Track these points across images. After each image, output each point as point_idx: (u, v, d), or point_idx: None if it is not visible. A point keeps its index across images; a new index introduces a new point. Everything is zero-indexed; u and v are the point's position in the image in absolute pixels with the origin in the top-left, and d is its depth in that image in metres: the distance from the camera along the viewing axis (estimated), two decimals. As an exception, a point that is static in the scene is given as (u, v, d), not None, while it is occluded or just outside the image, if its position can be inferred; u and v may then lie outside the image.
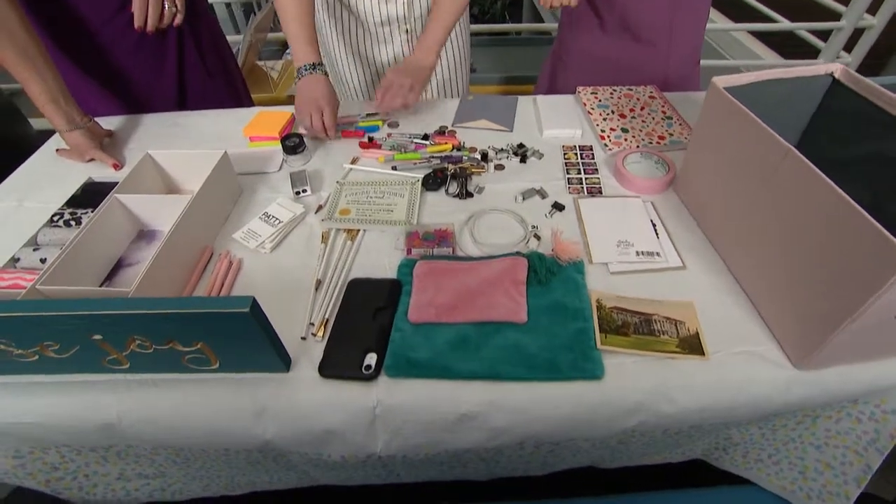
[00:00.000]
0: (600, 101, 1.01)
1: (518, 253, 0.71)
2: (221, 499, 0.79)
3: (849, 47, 2.13)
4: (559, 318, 0.63)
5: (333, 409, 0.58)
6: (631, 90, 1.04)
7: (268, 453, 0.64)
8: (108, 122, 1.02)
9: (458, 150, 0.93)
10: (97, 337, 0.54)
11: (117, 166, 0.92)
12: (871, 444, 0.63)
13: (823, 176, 0.51)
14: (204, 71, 1.13)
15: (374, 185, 0.85)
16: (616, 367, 0.59)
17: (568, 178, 0.85)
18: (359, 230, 0.78)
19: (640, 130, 0.93)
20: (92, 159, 0.94)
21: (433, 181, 0.84)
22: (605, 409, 0.58)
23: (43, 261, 0.70)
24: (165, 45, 1.04)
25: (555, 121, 0.97)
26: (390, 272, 0.71)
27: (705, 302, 0.65)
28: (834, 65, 0.68)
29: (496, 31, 2.36)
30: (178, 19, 0.95)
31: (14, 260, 0.70)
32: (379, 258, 0.74)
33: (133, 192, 0.77)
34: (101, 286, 0.71)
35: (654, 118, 0.96)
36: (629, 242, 0.73)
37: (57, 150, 0.97)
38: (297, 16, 0.92)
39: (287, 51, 2.34)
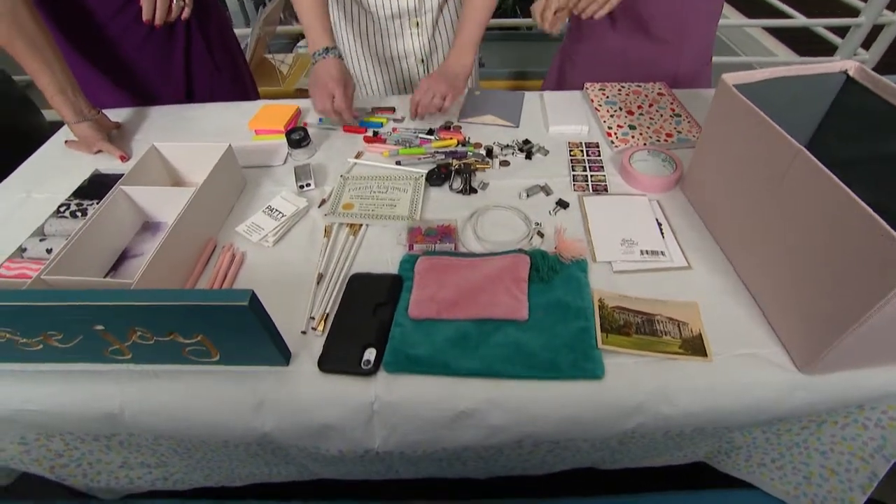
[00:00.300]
0: (608, 97, 1.00)
1: (521, 250, 0.70)
2: (222, 489, 0.80)
3: (867, 44, 2.08)
4: (560, 317, 0.63)
5: (332, 403, 0.58)
6: (640, 87, 1.02)
7: (266, 446, 0.64)
8: (116, 115, 1.03)
9: (463, 145, 0.92)
10: (99, 327, 0.55)
11: (124, 158, 0.93)
12: (877, 451, 0.61)
13: (834, 177, 0.50)
14: (212, 65, 1.13)
15: (378, 179, 0.85)
16: (617, 367, 0.58)
17: (573, 176, 0.84)
18: (361, 225, 0.78)
19: (648, 128, 0.92)
20: (100, 151, 0.95)
21: (437, 177, 0.84)
22: (605, 410, 0.57)
23: (49, 251, 0.71)
24: (173, 38, 1.04)
25: (561, 117, 0.96)
26: (392, 267, 0.71)
27: (710, 303, 0.64)
28: (849, 62, 0.66)
29: (506, 26, 2.34)
30: (186, 13, 0.95)
31: (21, 250, 0.71)
32: (381, 253, 0.74)
33: (138, 184, 0.77)
34: (105, 277, 0.72)
35: (662, 115, 0.94)
36: (633, 241, 0.72)
37: (66, 141, 0.98)
38: (312, 6, 0.92)
39: (298, 44, 2.34)
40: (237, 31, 1.82)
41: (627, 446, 0.65)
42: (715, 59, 1.36)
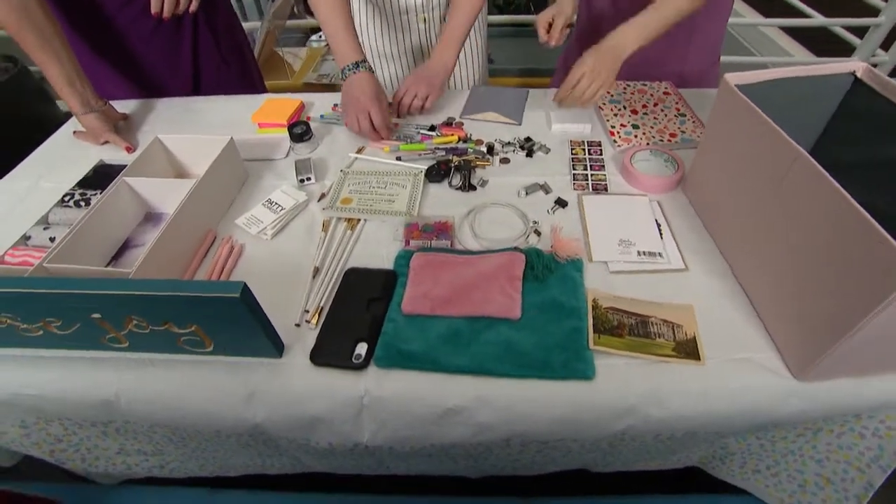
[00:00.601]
0: (612, 95, 0.99)
1: (516, 248, 0.70)
2: (217, 479, 0.81)
3: (887, 45, 2.03)
4: (554, 317, 0.62)
5: (322, 396, 0.59)
6: (645, 85, 1.01)
7: (258, 437, 0.65)
8: (124, 106, 1.04)
9: (465, 142, 0.92)
10: (96, 315, 0.56)
11: (130, 149, 0.94)
12: (874, 461, 0.60)
13: (834, 182, 0.49)
14: (219, 58, 1.14)
15: (378, 174, 0.85)
16: (608, 368, 0.58)
17: (573, 175, 0.83)
18: (359, 220, 0.78)
19: (652, 127, 0.91)
20: (106, 142, 0.96)
21: (436, 173, 0.84)
22: (594, 411, 0.57)
23: (52, 239, 0.72)
24: (181, 31, 1.05)
25: (564, 115, 0.95)
26: (388, 263, 0.71)
27: (706, 306, 0.63)
28: (856, 63, 0.65)
29: (518, 23, 2.32)
30: (194, 6, 0.96)
31: (25, 238, 0.73)
32: (377, 248, 0.74)
33: (141, 175, 0.78)
34: (107, 266, 0.73)
35: (666, 115, 0.93)
36: (631, 242, 0.71)
37: (74, 132, 0.99)
38: (338, 17, 0.89)
39: (311, 37, 2.34)
40: (248, 25, 1.84)
41: (618, 448, 0.65)
42: (729, 58, 1.33)
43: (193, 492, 0.79)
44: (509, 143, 0.92)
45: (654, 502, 0.82)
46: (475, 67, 1.22)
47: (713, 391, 0.57)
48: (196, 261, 0.73)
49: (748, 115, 0.60)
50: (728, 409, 0.57)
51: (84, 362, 0.62)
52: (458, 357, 0.59)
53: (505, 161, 0.88)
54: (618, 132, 0.90)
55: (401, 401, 0.58)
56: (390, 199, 0.80)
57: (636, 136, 0.89)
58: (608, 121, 0.93)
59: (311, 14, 1.03)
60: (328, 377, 0.59)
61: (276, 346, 0.60)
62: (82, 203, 0.79)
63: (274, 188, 0.84)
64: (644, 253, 0.70)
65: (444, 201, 0.81)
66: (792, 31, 2.49)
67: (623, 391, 0.57)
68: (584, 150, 0.88)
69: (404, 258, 0.70)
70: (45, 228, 0.74)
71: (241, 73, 1.22)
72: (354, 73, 0.89)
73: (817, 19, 2.10)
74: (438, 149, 0.89)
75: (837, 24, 2.07)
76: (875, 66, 2.09)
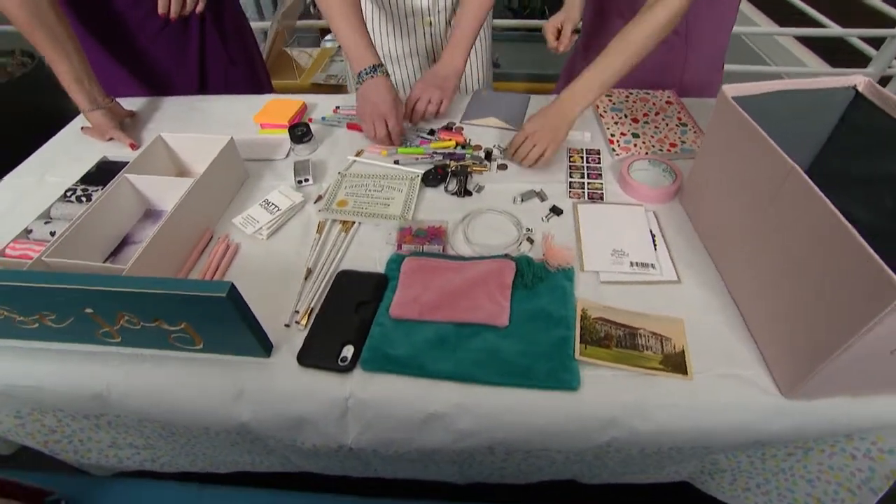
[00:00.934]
0: (614, 103, 0.98)
1: (507, 256, 0.70)
2: (209, 475, 0.82)
3: (904, 57, 1.99)
4: (542, 325, 0.62)
5: (308, 397, 0.59)
6: (648, 94, 1.00)
7: (246, 435, 0.66)
8: (130, 103, 1.06)
9: (463, 147, 0.92)
10: (89, 310, 0.57)
11: (134, 146, 0.96)
12: (865, 483, 0.59)
13: (824, 198, 0.48)
14: (226, 58, 1.16)
15: (374, 178, 0.85)
16: (594, 379, 0.58)
17: (570, 182, 0.83)
18: (354, 222, 0.78)
19: (652, 136, 0.90)
20: (112, 138, 0.98)
21: (433, 177, 0.84)
22: (578, 422, 0.56)
23: (53, 234, 0.74)
24: (188, 32, 1.07)
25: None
26: (380, 266, 0.72)
27: (696, 319, 0.63)
28: (858, 77, 0.64)
29: (527, 27, 2.32)
30: (200, 7, 0.97)
31: (27, 231, 0.74)
32: (370, 251, 0.74)
33: (143, 173, 0.80)
34: (105, 262, 0.74)
35: (668, 124, 0.92)
36: (624, 252, 0.71)
37: (81, 128, 1.01)
38: (346, 17, 0.87)
39: (326, 37, 2.35)
40: (260, 24, 1.86)
41: (604, 461, 0.64)
42: (742, 67, 1.30)
43: (184, 486, 0.79)
44: (508, 149, 0.91)
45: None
46: (480, 71, 1.23)
47: (700, 406, 0.56)
48: (192, 259, 0.74)
49: (743, 128, 0.59)
50: (714, 425, 0.56)
51: (78, 355, 0.63)
52: (443, 363, 0.59)
53: (502, 167, 0.88)
54: (617, 141, 0.90)
55: (385, 404, 0.58)
56: (386, 202, 0.80)
57: (635, 145, 0.89)
58: (608, 129, 0.93)
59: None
60: (314, 378, 0.60)
61: (263, 346, 0.61)
62: (84, 199, 0.81)
63: (273, 188, 0.84)
64: (637, 264, 0.69)
65: (439, 206, 0.81)
66: (807, 41, 2.46)
67: (608, 403, 0.56)
68: (582, 157, 0.88)
69: (396, 262, 0.70)
70: (46, 223, 0.76)
71: (248, 73, 1.24)
72: (372, 77, 0.87)
73: (833, 29, 2.07)
74: (436, 153, 0.90)
75: (853, 35, 2.03)
76: (890, 78, 2.05)
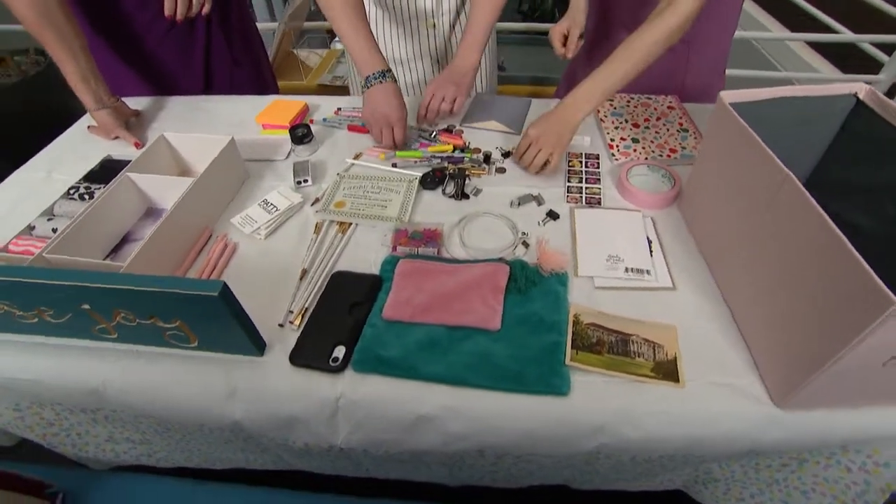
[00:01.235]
0: (615, 108, 0.98)
1: (502, 259, 0.70)
2: (205, 471, 0.82)
3: (917, 64, 1.95)
4: (534, 330, 0.62)
5: (299, 397, 0.60)
6: (650, 99, 1.00)
7: (239, 433, 0.66)
8: (136, 103, 1.07)
9: (462, 150, 0.92)
10: (85, 306, 0.58)
11: (138, 145, 0.97)
12: (859, 497, 0.58)
13: (818, 206, 0.48)
14: (231, 59, 1.17)
15: (373, 180, 0.86)
16: (584, 385, 0.57)
17: (568, 187, 0.83)
18: (351, 224, 0.79)
19: (652, 142, 0.90)
20: (117, 137, 0.99)
21: (431, 180, 0.84)
22: (567, 428, 0.56)
23: (55, 230, 0.75)
24: (194, 34, 1.08)
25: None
26: (375, 268, 0.72)
27: (690, 326, 0.62)
28: (858, 84, 0.63)
29: (535, 31, 2.32)
30: (206, 8, 0.99)
31: (30, 228, 0.76)
32: (366, 253, 0.75)
33: (146, 172, 0.81)
34: (105, 259, 0.75)
35: (668, 130, 0.92)
36: (619, 258, 0.70)
37: (88, 126, 1.03)
38: (349, 20, 0.86)
39: (335, 39, 2.37)
40: (271, 25, 1.87)
41: (594, 467, 0.64)
42: (750, 73, 1.27)
43: (179, 482, 0.80)
44: (508, 152, 0.91)
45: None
46: (485, 74, 1.23)
47: (690, 414, 0.56)
48: (190, 257, 0.75)
49: (740, 134, 0.59)
50: (705, 434, 0.56)
51: (75, 350, 0.64)
52: (434, 365, 0.59)
53: (501, 171, 0.88)
54: (617, 146, 0.90)
55: (375, 405, 0.58)
56: (383, 204, 0.81)
57: (635, 151, 0.88)
58: (608, 134, 0.92)
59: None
60: (306, 378, 0.60)
61: (257, 345, 0.62)
62: (86, 196, 0.82)
63: (272, 189, 0.85)
64: (632, 270, 0.69)
65: (436, 209, 0.82)
66: (819, 47, 2.43)
67: (598, 409, 0.56)
68: (581, 162, 0.88)
69: (390, 264, 0.71)
70: (49, 219, 0.77)
71: (253, 75, 1.25)
72: (381, 82, 0.87)
73: (845, 35, 2.04)
74: (434, 157, 0.90)
75: (865, 41, 2.00)
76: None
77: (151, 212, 0.83)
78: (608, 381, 0.58)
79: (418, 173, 0.86)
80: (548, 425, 0.56)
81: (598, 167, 0.87)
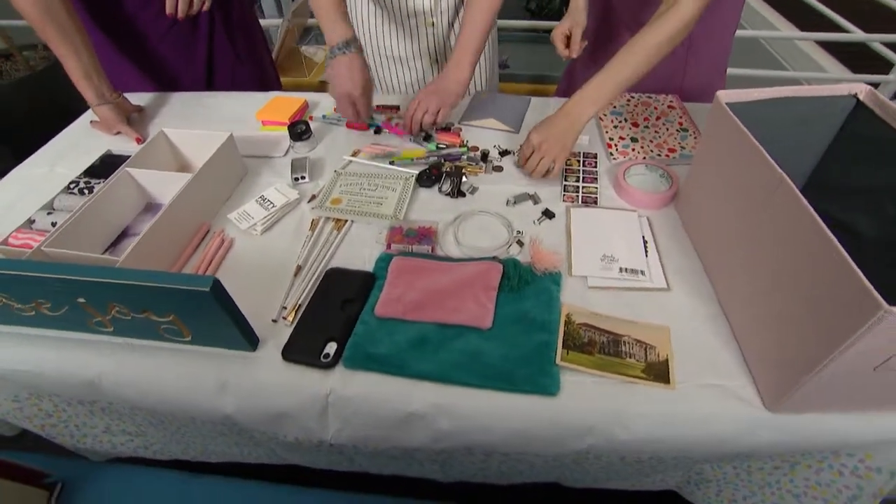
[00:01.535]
0: (615, 107, 0.97)
1: (495, 258, 0.70)
2: (201, 464, 0.83)
3: (929, 64, 1.92)
4: (525, 329, 0.62)
5: (290, 392, 0.60)
6: (650, 98, 0.99)
7: (232, 427, 0.67)
8: (138, 98, 1.08)
9: (461, 147, 0.92)
10: (81, 300, 0.59)
11: (140, 140, 0.98)
12: (851, 501, 0.58)
13: (810, 209, 0.47)
14: (233, 56, 1.18)
15: (370, 177, 0.86)
16: (574, 385, 0.57)
17: (564, 186, 0.82)
18: (347, 220, 0.79)
19: (651, 141, 0.89)
20: (119, 132, 1.00)
21: (427, 178, 0.84)
22: (556, 428, 0.56)
23: (54, 224, 0.76)
24: (196, 31, 1.09)
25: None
26: (369, 265, 0.72)
27: (684, 328, 0.62)
28: (859, 85, 0.62)
29: (540, 28, 2.30)
30: (207, 5, 0.99)
31: (30, 221, 0.77)
32: (361, 250, 0.75)
33: (145, 167, 0.82)
34: (104, 253, 0.76)
35: (668, 129, 0.91)
36: (614, 258, 0.70)
37: (91, 122, 1.04)
38: None
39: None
40: (276, 21, 1.87)
41: (584, 466, 0.64)
42: (758, 72, 1.24)
43: (175, 474, 0.82)
44: (506, 151, 0.91)
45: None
46: (484, 73, 1.22)
47: (681, 416, 0.55)
48: (187, 252, 0.75)
49: (736, 134, 0.58)
50: (695, 436, 0.55)
51: (72, 343, 0.65)
52: (424, 363, 0.59)
53: (498, 169, 0.88)
54: (615, 145, 0.89)
55: (364, 402, 0.59)
56: (379, 201, 0.81)
57: (633, 150, 0.88)
58: (607, 133, 0.92)
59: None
60: (297, 374, 0.61)
61: (249, 340, 0.62)
62: (86, 191, 0.83)
63: (271, 185, 0.86)
64: (626, 270, 0.69)
65: (432, 207, 0.82)
66: (829, 46, 2.39)
67: (587, 410, 0.56)
68: (578, 161, 0.87)
69: (384, 261, 0.71)
70: (48, 213, 0.78)
71: (256, 72, 1.25)
72: (345, 53, 0.87)
73: (855, 34, 2.01)
74: (431, 155, 0.90)
75: (876, 40, 1.97)
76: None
77: (151, 207, 0.84)
78: (599, 381, 0.58)
79: (416, 171, 0.86)
80: (536, 425, 0.56)
81: (595, 166, 0.86)
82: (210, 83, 1.17)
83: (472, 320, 0.62)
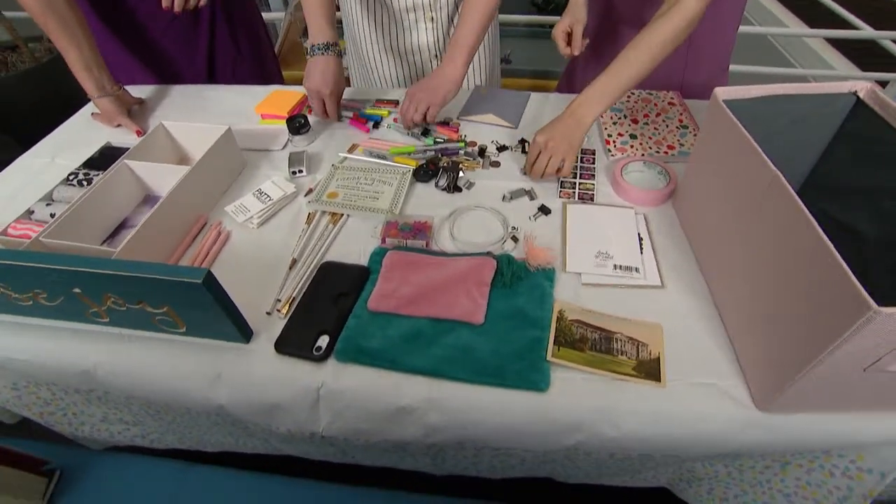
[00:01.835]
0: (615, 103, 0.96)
1: (489, 254, 0.70)
2: (198, 453, 0.84)
3: (939, 62, 1.89)
4: (517, 325, 0.62)
5: (282, 384, 0.60)
6: (651, 94, 0.98)
7: (226, 417, 0.67)
8: (139, 91, 1.09)
9: (457, 141, 0.91)
10: (77, 290, 0.59)
11: (140, 133, 0.99)
12: (841, 502, 0.58)
13: (803, 207, 0.47)
14: (234, 50, 1.18)
15: (366, 171, 0.86)
16: (565, 381, 0.57)
17: (561, 182, 0.82)
18: (343, 214, 0.79)
19: (650, 138, 0.88)
20: (119, 125, 1.01)
21: (424, 172, 0.84)
22: (545, 424, 0.56)
23: (53, 215, 0.76)
24: (197, 24, 1.09)
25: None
26: (364, 259, 0.72)
27: (677, 326, 0.62)
28: (859, 83, 0.61)
29: (544, 23, 2.28)
30: (204, 0, 0.99)
31: (29, 212, 0.77)
32: (356, 244, 0.75)
33: (144, 160, 0.82)
34: (102, 244, 0.77)
35: (668, 126, 0.90)
36: (609, 255, 0.70)
37: (92, 113, 1.05)
38: None
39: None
40: (275, 15, 1.87)
41: (575, 462, 0.64)
42: (766, 69, 1.21)
43: (172, 463, 0.82)
44: (504, 146, 0.91)
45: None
46: (483, 68, 1.21)
47: (670, 414, 0.55)
48: (184, 244, 0.76)
49: (731, 132, 0.58)
50: (684, 435, 0.55)
51: (69, 333, 0.65)
52: (415, 358, 0.59)
53: (495, 164, 0.87)
54: (614, 141, 0.88)
55: (356, 395, 0.59)
56: (375, 196, 0.81)
57: (632, 147, 0.87)
58: (606, 129, 0.91)
59: (338, 8, 1.03)
60: (289, 366, 0.61)
61: (243, 333, 0.62)
62: (85, 182, 0.84)
63: (268, 178, 0.86)
64: (620, 267, 0.68)
65: (428, 201, 0.81)
66: (838, 44, 2.36)
67: (576, 406, 0.56)
68: (576, 157, 0.87)
69: (379, 255, 0.71)
70: (47, 204, 0.78)
71: (257, 66, 1.25)
72: (323, 54, 0.91)
73: (865, 31, 1.98)
74: (428, 149, 0.90)
75: (885, 37, 1.94)
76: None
77: (149, 199, 0.85)
78: (588, 378, 0.58)
79: (412, 166, 0.86)
80: (526, 420, 0.56)
81: (593, 162, 0.86)
82: (211, 77, 1.18)
83: (464, 315, 0.62)
